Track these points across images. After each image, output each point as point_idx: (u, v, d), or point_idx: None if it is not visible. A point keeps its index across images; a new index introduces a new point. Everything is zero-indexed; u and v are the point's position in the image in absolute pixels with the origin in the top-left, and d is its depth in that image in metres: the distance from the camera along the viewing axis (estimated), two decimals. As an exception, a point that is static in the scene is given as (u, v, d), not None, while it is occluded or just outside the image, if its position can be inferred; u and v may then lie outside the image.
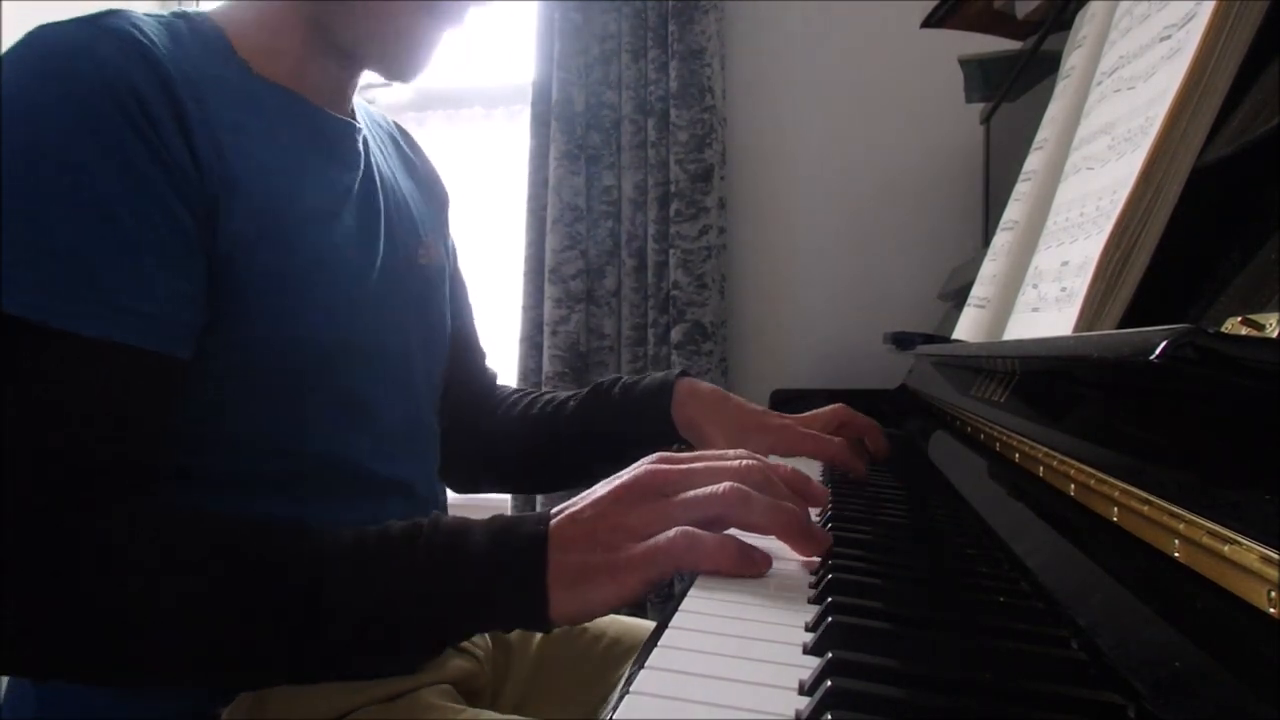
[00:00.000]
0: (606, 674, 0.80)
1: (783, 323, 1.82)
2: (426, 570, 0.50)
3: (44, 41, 0.56)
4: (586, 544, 0.49)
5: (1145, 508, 0.36)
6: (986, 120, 1.40)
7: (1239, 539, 0.29)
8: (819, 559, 0.52)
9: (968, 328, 0.79)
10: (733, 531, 0.50)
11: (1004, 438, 0.60)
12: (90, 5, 0.61)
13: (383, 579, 0.50)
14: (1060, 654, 0.36)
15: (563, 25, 1.80)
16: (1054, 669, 0.35)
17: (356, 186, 0.72)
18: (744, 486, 0.50)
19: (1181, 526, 0.32)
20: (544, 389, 0.96)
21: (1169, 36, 0.51)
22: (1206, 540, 0.31)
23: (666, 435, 0.83)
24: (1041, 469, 0.50)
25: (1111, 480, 0.40)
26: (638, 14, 1.79)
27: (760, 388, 1.57)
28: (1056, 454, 0.48)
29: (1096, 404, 0.49)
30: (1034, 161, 0.78)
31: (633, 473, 0.52)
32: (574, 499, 0.52)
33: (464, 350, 0.93)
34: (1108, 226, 0.49)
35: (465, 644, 0.73)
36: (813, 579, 0.49)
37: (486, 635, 0.77)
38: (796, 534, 0.51)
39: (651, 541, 0.48)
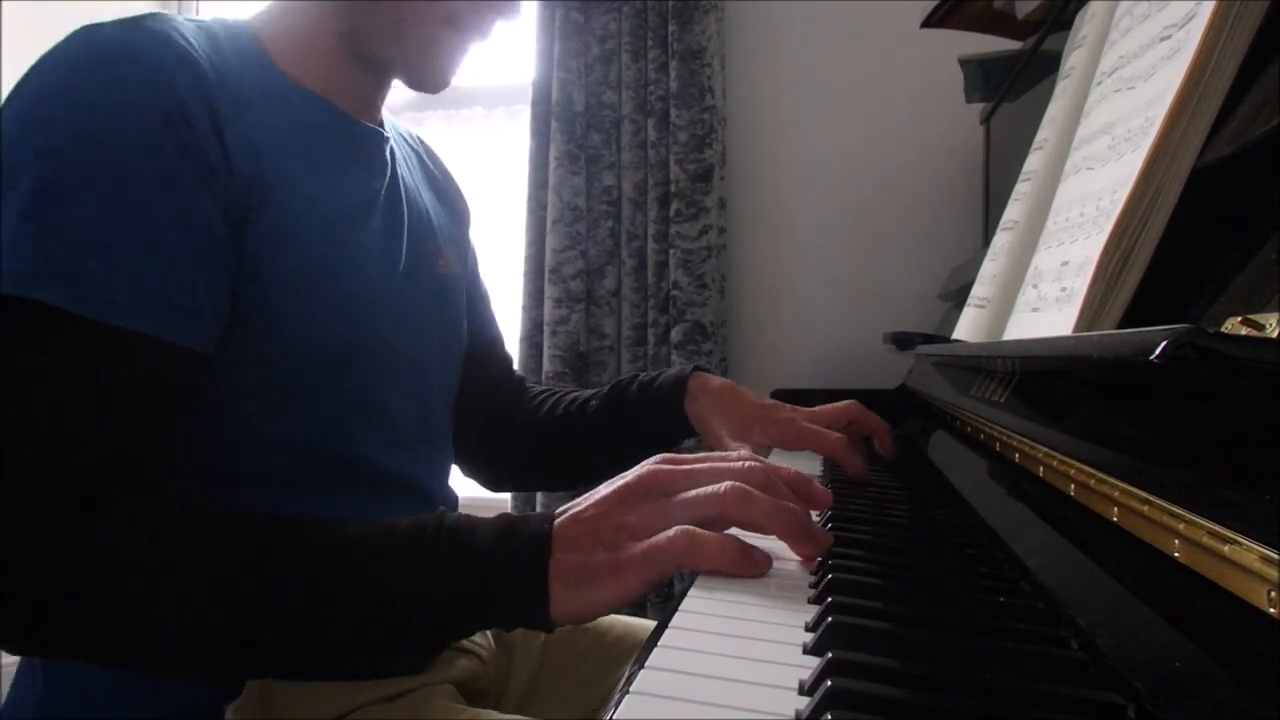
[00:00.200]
0: (608, 674, 0.80)
1: (783, 323, 1.82)
2: (430, 567, 0.50)
3: (87, 42, 0.57)
4: (589, 543, 0.49)
5: (1145, 508, 0.36)
6: (986, 120, 1.40)
7: (1239, 539, 0.29)
8: (819, 559, 0.52)
9: (968, 328, 0.79)
10: (734, 531, 0.51)
11: (1004, 438, 0.60)
12: (90, 5, 0.61)
13: (386, 575, 0.51)
14: (1060, 654, 0.36)
15: (563, 25, 1.80)
16: (1054, 669, 0.35)
17: (383, 193, 0.74)
18: (746, 486, 0.51)
19: (1181, 526, 0.32)
20: (568, 388, 0.98)
21: (1169, 36, 0.51)
22: (1206, 540, 0.31)
23: (682, 431, 0.85)
24: (1041, 469, 0.50)
25: (1111, 480, 0.40)
26: (638, 14, 1.79)
27: (760, 388, 1.56)
28: (1056, 454, 0.48)
29: (1096, 404, 0.49)
30: (1034, 161, 0.78)
31: (635, 473, 0.53)
32: (578, 499, 0.52)
33: (491, 358, 0.96)
34: (1108, 226, 0.49)
35: (469, 644, 0.73)
36: (813, 579, 0.49)
37: (490, 635, 0.78)
38: (797, 534, 0.51)
39: (652, 540, 0.48)
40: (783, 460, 0.89)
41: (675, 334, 1.74)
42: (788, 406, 0.84)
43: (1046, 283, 0.58)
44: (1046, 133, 0.77)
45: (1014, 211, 0.78)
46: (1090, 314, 0.49)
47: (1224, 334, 0.33)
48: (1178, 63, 0.48)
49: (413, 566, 0.50)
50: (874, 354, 1.45)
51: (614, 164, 1.82)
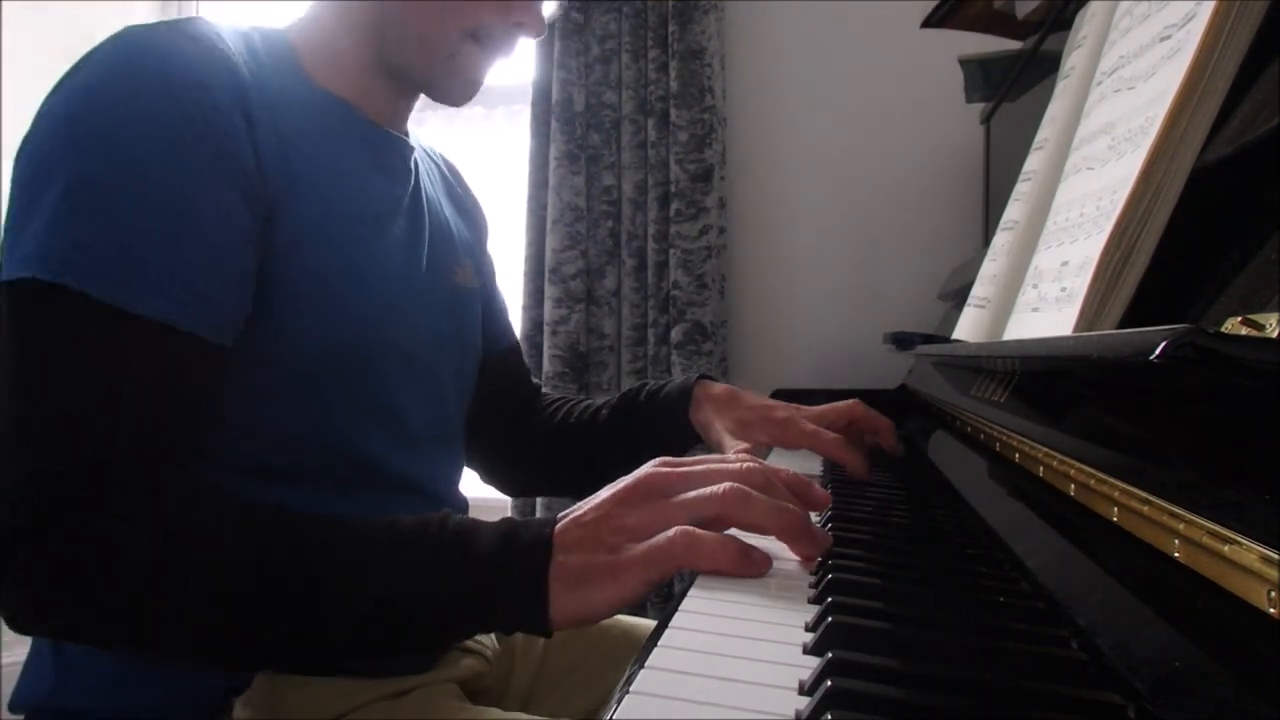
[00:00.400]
0: (608, 673, 0.81)
1: (783, 323, 1.82)
2: (430, 568, 0.51)
3: (131, 41, 0.59)
4: (589, 546, 0.49)
5: (1145, 508, 0.36)
6: (986, 120, 1.40)
7: (1239, 539, 0.29)
8: (819, 560, 0.52)
9: (968, 328, 0.79)
10: (733, 532, 0.51)
11: (1004, 438, 0.60)
12: (90, 5, 0.62)
13: (388, 574, 0.51)
14: (1060, 654, 0.36)
15: (563, 25, 1.80)
16: (1054, 669, 0.35)
17: (406, 200, 0.76)
18: (744, 487, 0.51)
19: (1181, 526, 0.32)
20: (580, 397, 1.00)
21: (1169, 36, 0.51)
22: (1206, 540, 0.31)
23: (689, 439, 0.87)
24: (1041, 469, 0.50)
25: (1111, 480, 0.40)
26: (638, 14, 1.79)
27: (760, 388, 1.56)
28: (1056, 454, 0.48)
29: (1096, 404, 0.49)
30: (1034, 161, 0.78)
31: (634, 476, 0.53)
32: (579, 503, 0.53)
33: (510, 368, 0.98)
34: (1108, 226, 0.49)
35: (473, 643, 0.74)
36: (813, 579, 0.49)
37: (494, 635, 0.78)
38: (797, 534, 0.51)
39: (652, 541, 0.48)
40: (784, 461, 0.89)
41: (675, 334, 1.74)
42: (789, 406, 0.84)
43: (1046, 283, 0.58)
44: (1046, 133, 0.77)
45: (1014, 211, 0.78)
46: (1090, 314, 0.49)
47: (1224, 334, 0.33)
48: (1178, 63, 0.48)
49: (414, 567, 0.51)
50: (874, 354, 1.45)
51: (614, 164, 1.82)
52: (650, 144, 1.77)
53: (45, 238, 0.54)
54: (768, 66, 1.81)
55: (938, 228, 1.69)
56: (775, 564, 0.51)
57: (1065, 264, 0.55)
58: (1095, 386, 0.50)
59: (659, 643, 0.38)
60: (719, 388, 0.87)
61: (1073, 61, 0.75)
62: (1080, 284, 0.50)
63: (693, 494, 0.51)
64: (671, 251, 1.74)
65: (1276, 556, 0.27)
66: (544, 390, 1.04)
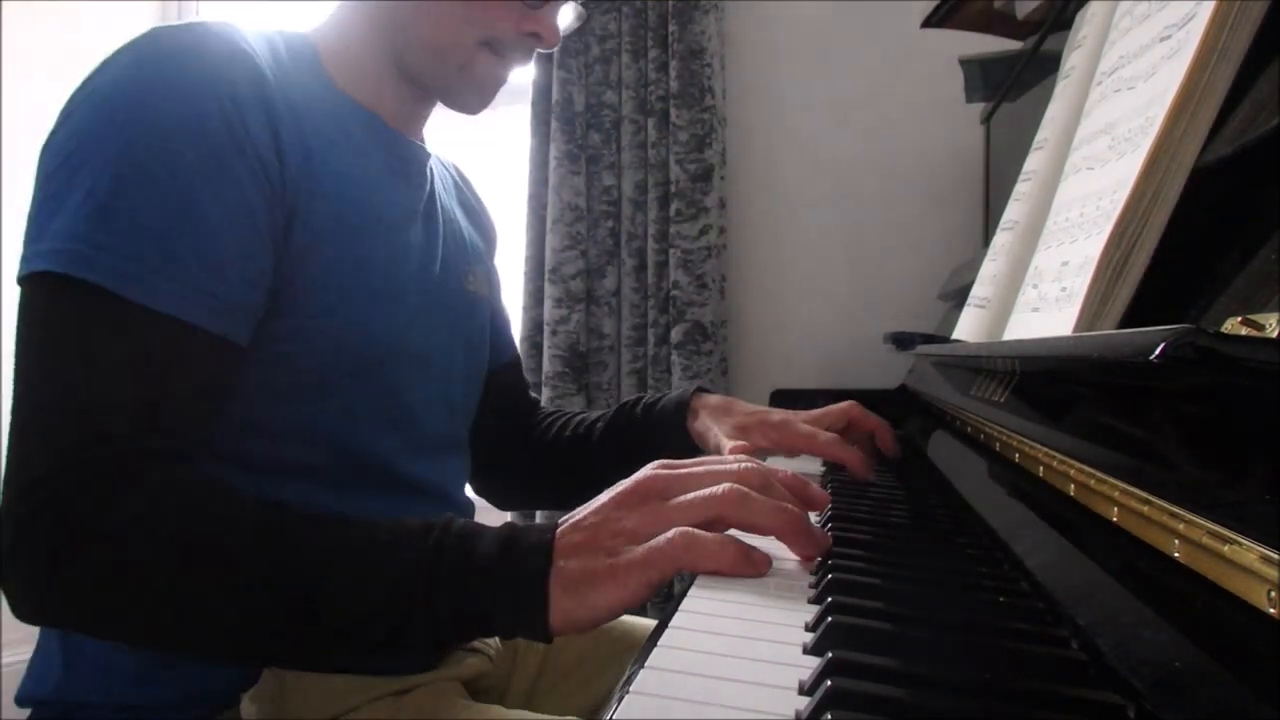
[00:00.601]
0: (609, 672, 0.81)
1: (783, 323, 1.82)
2: (432, 571, 0.51)
3: (159, 40, 0.60)
4: (589, 550, 0.50)
5: (1145, 508, 0.36)
6: (986, 120, 1.40)
7: (1239, 539, 0.29)
8: (819, 560, 0.52)
9: (968, 328, 0.79)
10: (732, 533, 0.51)
11: (1004, 438, 0.60)
12: (91, 5, 0.62)
13: (388, 576, 0.51)
14: (1060, 654, 0.36)
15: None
16: (1054, 669, 0.35)
17: (422, 206, 0.77)
18: (743, 488, 0.51)
19: (1181, 526, 0.32)
20: (576, 410, 1.02)
21: (1169, 36, 0.51)
22: (1206, 540, 0.31)
23: (686, 450, 0.87)
24: (1041, 469, 0.50)
25: (1111, 480, 0.40)
26: (638, 14, 1.79)
27: (760, 388, 1.57)
28: (1056, 454, 0.48)
29: (1096, 404, 0.49)
30: (1034, 161, 0.78)
31: (633, 479, 0.53)
32: (579, 508, 0.53)
33: (511, 381, 0.98)
34: (1108, 226, 0.49)
35: (476, 642, 0.74)
36: (813, 579, 0.49)
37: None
38: (796, 535, 0.51)
39: (651, 543, 0.49)
40: (784, 464, 0.89)
41: (675, 334, 1.74)
42: (784, 411, 0.84)
43: (1046, 283, 0.58)
44: (1046, 133, 0.77)
45: (1014, 211, 0.78)
46: (1090, 314, 0.49)
47: (1224, 334, 0.33)
48: (1178, 63, 0.48)
49: (415, 570, 0.51)
50: (874, 354, 1.45)
51: (614, 164, 1.82)
52: (650, 144, 1.77)
53: (70, 233, 0.54)
54: (768, 66, 1.81)
55: (938, 228, 1.69)
56: (775, 564, 0.51)
57: (1065, 264, 0.55)
58: (1095, 386, 0.50)
59: (659, 642, 0.38)
60: (715, 397, 0.88)
61: (1073, 61, 0.75)
62: (1080, 284, 0.50)
63: (691, 496, 0.51)
64: (671, 251, 1.74)
65: (1276, 556, 0.27)
66: (540, 403, 1.05)
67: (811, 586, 0.48)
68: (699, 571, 0.49)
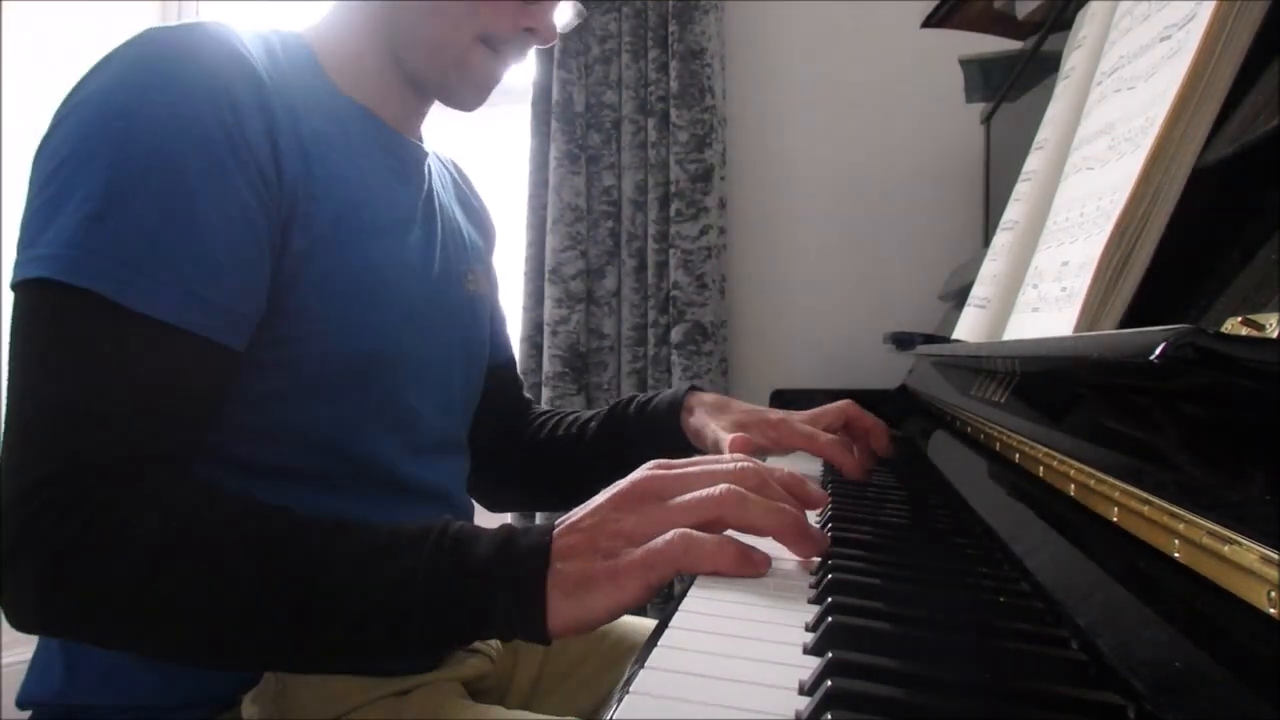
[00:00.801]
0: (609, 673, 0.81)
1: (783, 323, 1.82)
2: (430, 575, 0.51)
3: (154, 42, 0.60)
4: (587, 552, 0.49)
5: (1145, 508, 0.36)
6: (986, 120, 1.41)
7: (1239, 539, 0.29)
8: (819, 559, 0.52)
9: (968, 328, 0.79)
10: (731, 533, 0.51)
11: (1004, 438, 0.60)
12: (91, 5, 0.62)
13: (387, 580, 0.51)
14: (1060, 654, 0.36)
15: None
16: (1054, 669, 0.35)
17: (420, 206, 0.76)
18: (741, 489, 0.51)
19: (1181, 526, 0.32)
20: (568, 409, 1.02)
21: (1169, 36, 0.51)
22: (1206, 540, 0.31)
23: (680, 450, 0.86)
24: (1041, 469, 0.50)
25: (1111, 480, 0.40)
26: (638, 14, 1.79)
27: (760, 388, 1.57)
28: (1056, 454, 0.48)
29: (1096, 404, 0.49)
30: (1034, 161, 0.78)
31: (630, 479, 0.53)
32: (576, 509, 0.53)
33: (506, 381, 0.97)
34: (1108, 227, 0.49)
35: (477, 643, 0.74)
36: (813, 579, 0.49)
37: (495, 638, 0.78)
38: (794, 535, 0.51)
39: (649, 545, 0.48)
40: (783, 463, 0.89)
41: (675, 334, 1.74)
42: (781, 411, 0.84)
43: (1047, 283, 0.58)
44: (1046, 133, 0.77)
45: (1014, 211, 0.78)
46: (1090, 314, 0.49)
47: (1224, 334, 0.33)
48: (1178, 63, 0.48)
49: (414, 573, 0.51)
50: (874, 354, 1.45)
51: (614, 164, 1.82)
52: (650, 144, 1.77)
53: (65, 240, 0.54)
54: (768, 66, 1.81)
55: (938, 228, 1.69)
56: (775, 564, 0.51)
57: (1065, 264, 0.55)
58: (1095, 386, 0.50)
59: (659, 643, 0.38)
60: (710, 395, 0.88)
61: (1073, 62, 0.75)
62: (1080, 284, 0.50)
63: (689, 497, 0.51)
64: (671, 251, 1.74)
65: (1276, 556, 0.27)
66: (534, 403, 1.04)
67: (811, 586, 0.48)
68: (698, 573, 0.49)
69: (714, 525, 0.50)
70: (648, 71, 1.78)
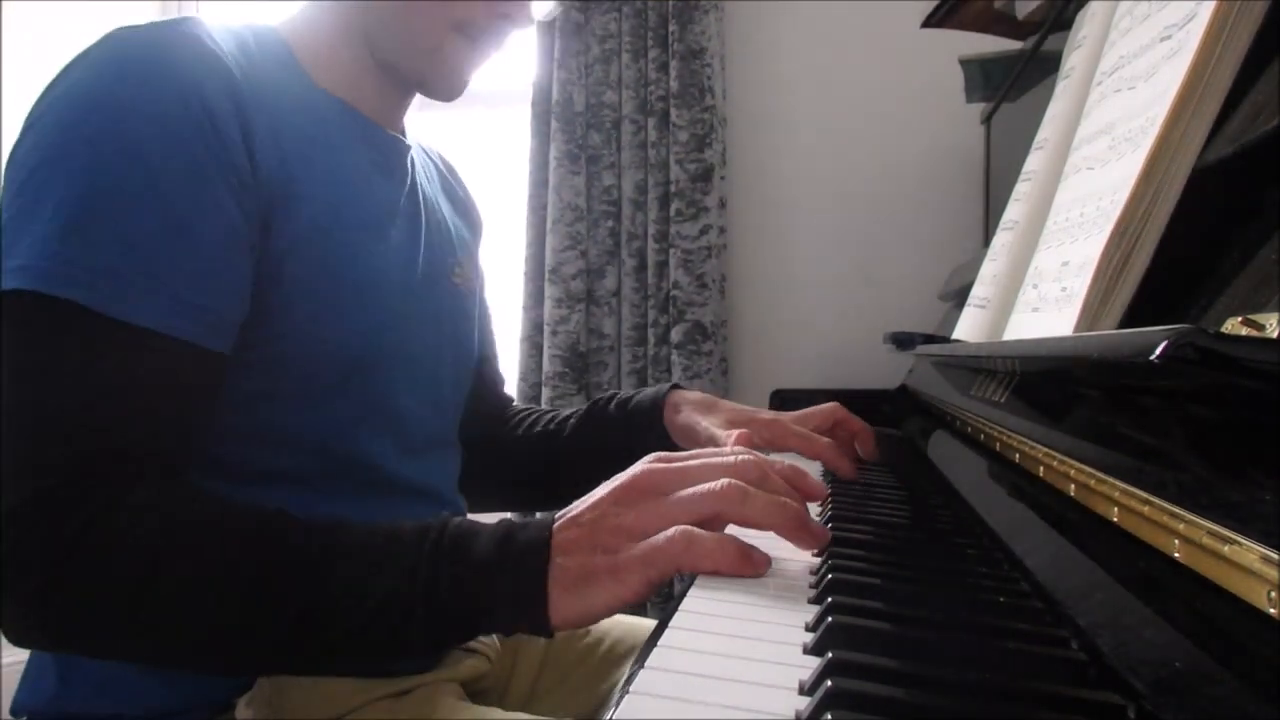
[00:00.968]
0: (609, 673, 0.81)
1: (783, 323, 1.82)
2: (430, 572, 0.51)
3: (121, 43, 0.58)
4: (587, 547, 0.49)
5: (1145, 508, 0.36)
6: (986, 120, 1.41)
7: (1239, 539, 0.29)
8: (818, 553, 0.52)
9: (968, 328, 0.79)
10: (731, 528, 0.51)
11: (1004, 438, 0.60)
12: (91, 5, 0.62)
13: (387, 580, 0.51)
14: (1060, 654, 0.36)
15: (563, 25, 1.80)
16: (1054, 669, 0.35)
17: (403, 201, 0.75)
18: (741, 483, 0.51)
19: (1181, 526, 0.32)
20: (546, 407, 0.99)
21: (1169, 36, 0.51)
22: (1206, 540, 0.31)
23: (663, 448, 0.84)
24: (1041, 469, 0.50)
25: (1111, 480, 0.40)
26: (638, 14, 1.79)
27: (760, 388, 1.57)
28: (1056, 454, 0.48)
29: (1096, 404, 0.49)
30: (1034, 161, 0.78)
31: (630, 473, 0.53)
32: (575, 503, 0.52)
33: (486, 377, 0.96)
34: (1108, 227, 0.49)
35: (475, 643, 0.74)
36: (813, 579, 0.49)
37: (495, 635, 0.78)
38: (795, 529, 0.51)
39: (650, 541, 0.48)
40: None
41: (675, 334, 1.74)
42: (770, 412, 0.84)
43: (1047, 283, 0.58)
44: (1046, 133, 0.77)
45: (1014, 211, 0.78)
46: (1090, 314, 0.49)
47: (1224, 334, 0.33)
48: (1178, 63, 0.48)
49: (414, 572, 0.51)
50: (874, 354, 1.45)
51: (614, 164, 1.82)
52: (650, 144, 1.77)
53: (42, 250, 0.53)
54: (768, 66, 1.81)
55: (938, 228, 1.69)
56: (775, 563, 0.51)
57: (1065, 264, 0.55)
58: (1095, 386, 0.50)
59: (659, 643, 0.38)
60: (695, 394, 0.87)
61: (1073, 61, 0.75)
62: (1080, 284, 0.50)
63: (689, 491, 0.51)
64: (671, 251, 1.74)
65: (1276, 556, 0.27)
66: (513, 401, 1.03)
67: (811, 586, 0.48)
68: (698, 571, 0.48)
69: (714, 520, 0.50)
70: (648, 71, 1.78)
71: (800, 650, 0.38)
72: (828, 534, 0.52)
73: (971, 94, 1.41)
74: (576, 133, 1.81)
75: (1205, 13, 0.46)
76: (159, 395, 0.56)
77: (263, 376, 0.62)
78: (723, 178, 1.76)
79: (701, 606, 0.44)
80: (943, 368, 0.99)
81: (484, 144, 2.09)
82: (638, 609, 0.50)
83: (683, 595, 0.45)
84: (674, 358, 1.74)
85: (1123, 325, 0.48)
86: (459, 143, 2.06)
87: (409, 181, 0.77)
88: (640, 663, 0.36)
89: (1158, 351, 0.32)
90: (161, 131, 0.56)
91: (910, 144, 1.72)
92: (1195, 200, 0.46)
